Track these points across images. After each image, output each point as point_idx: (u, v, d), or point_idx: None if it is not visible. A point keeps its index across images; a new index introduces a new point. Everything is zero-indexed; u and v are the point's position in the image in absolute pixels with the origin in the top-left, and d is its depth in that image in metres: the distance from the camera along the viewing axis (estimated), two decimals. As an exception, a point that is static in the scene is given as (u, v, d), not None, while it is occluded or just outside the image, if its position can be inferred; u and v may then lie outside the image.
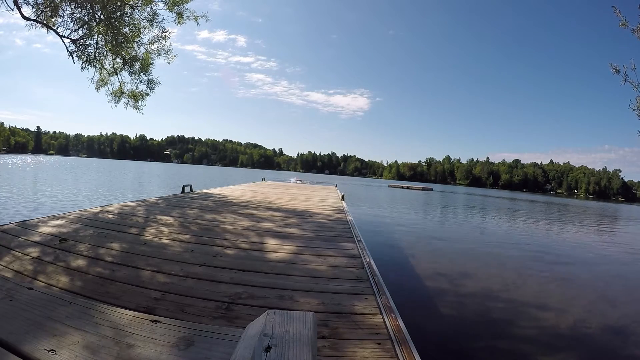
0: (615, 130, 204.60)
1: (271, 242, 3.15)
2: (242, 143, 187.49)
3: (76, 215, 3.79)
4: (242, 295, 1.86)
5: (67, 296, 1.28)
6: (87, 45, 8.61)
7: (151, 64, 9.66)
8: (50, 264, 2.14)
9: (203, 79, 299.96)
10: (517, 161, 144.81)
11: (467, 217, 15.44)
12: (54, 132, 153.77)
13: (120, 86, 9.72)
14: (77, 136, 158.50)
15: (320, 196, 9.28)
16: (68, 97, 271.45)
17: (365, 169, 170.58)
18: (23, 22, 7.42)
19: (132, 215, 4.10)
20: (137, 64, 9.47)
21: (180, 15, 9.10)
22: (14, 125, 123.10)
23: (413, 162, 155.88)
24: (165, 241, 2.95)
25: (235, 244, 3.03)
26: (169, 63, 9.90)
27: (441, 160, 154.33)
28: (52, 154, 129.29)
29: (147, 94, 9.94)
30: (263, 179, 16.85)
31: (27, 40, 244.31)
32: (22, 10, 7.26)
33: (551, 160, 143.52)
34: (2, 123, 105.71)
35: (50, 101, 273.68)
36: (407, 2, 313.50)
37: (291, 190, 11.18)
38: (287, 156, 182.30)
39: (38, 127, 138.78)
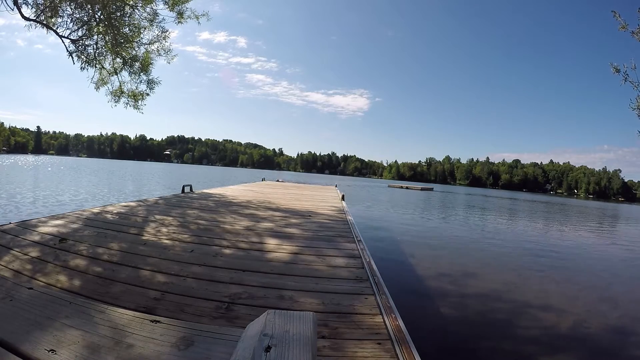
0: (615, 130, 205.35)
1: (271, 242, 3.15)
2: (242, 143, 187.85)
3: (76, 215, 3.78)
4: (242, 295, 1.86)
5: (66, 296, 1.28)
6: (86, 45, 8.62)
7: (151, 64, 9.67)
8: (50, 264, 2.14)
9: (203, 80, 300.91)
10: (517, 161, 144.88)
11: (467, 217, 15.43)
12: (54, 132, 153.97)
13: (120, 86, 9.73)
14: (77, 136, 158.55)
15: (320, 196, 9.27)
16: (68, 97, 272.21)
17: (365, 169, 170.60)
18: (24, 22, 7.43)
19: (132, 215, 4.09)
20: (137, 64, 9.48)
21: (180, 14, 9.10)
22: (14, 125, 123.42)
23: (413, 162, 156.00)
24: (165, 241, 2.95)
25: (235, 243, 3.02)
26: (169, 63, 9.94)
27: (441, 160, 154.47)
28: (52, 154, 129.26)
29: (147, 94, 9.96)
30: (263, 179, 16.84)
31: (28, 41, 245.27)
32: (22, 10, 7.26)
33: (551, 160, 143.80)
34: (2, 123, 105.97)
35: (50, 101, 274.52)
36: (407, 2, 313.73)
37: (291, 190, 11.17)
38: (287, 156, 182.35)
39: (38, 127, 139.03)
